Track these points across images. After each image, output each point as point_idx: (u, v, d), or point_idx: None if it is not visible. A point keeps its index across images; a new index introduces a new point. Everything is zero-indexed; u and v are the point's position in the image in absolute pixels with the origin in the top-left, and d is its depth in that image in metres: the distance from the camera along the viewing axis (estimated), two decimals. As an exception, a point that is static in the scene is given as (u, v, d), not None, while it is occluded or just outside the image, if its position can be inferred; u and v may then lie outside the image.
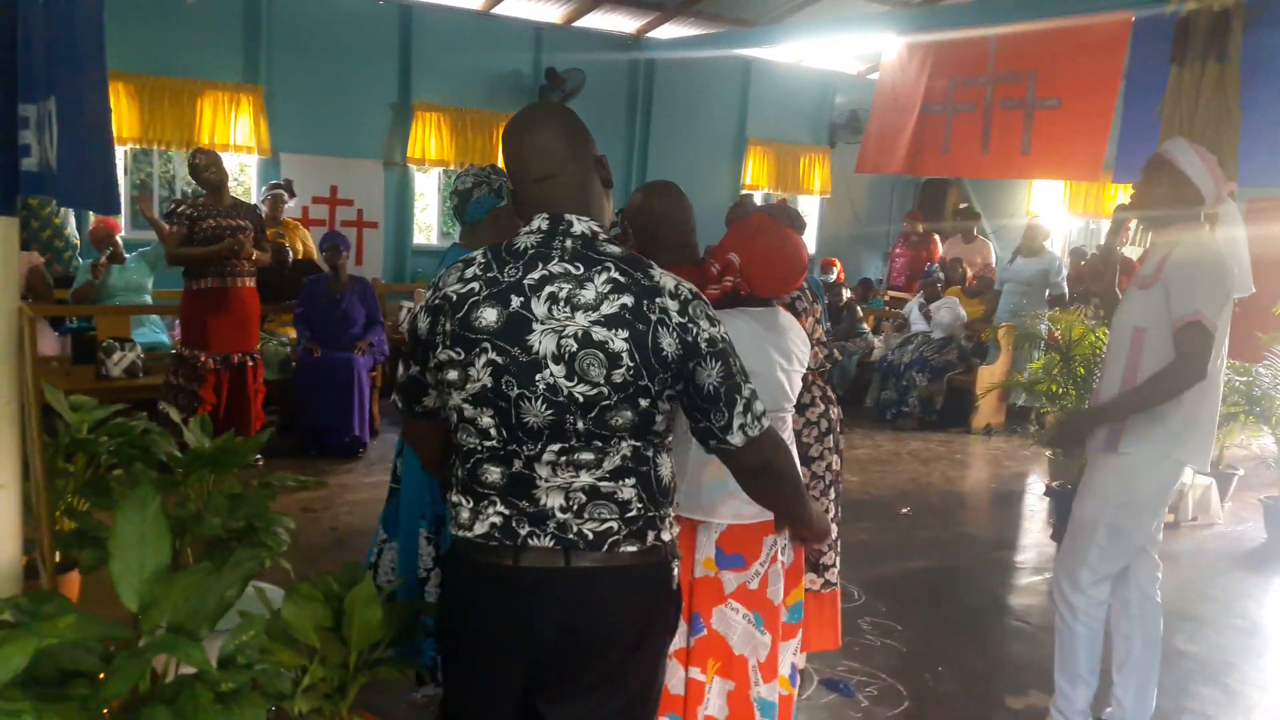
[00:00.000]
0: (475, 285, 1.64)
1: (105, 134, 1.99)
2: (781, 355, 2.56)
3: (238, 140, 8.10)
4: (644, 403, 1.61)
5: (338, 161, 8.81)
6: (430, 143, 9.18)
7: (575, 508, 1.64)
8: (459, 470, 1.73)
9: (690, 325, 1.62)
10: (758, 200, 11.65)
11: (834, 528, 3.36)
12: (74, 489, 3.40)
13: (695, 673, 2.55)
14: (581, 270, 1.62)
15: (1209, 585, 4.93)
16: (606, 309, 1.59)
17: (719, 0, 9.63)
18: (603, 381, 1.58)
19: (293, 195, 7.81)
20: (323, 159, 8.71)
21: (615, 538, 1.65)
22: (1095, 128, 6.35)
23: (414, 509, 3.12)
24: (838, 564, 3.41)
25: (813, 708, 3.41)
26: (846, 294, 9.25)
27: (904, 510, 5.86)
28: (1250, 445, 6.59)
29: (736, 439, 1.66)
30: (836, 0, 9.64)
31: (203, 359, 5.50)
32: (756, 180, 11.52)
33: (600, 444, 1.63)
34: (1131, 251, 4.53)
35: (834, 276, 9.48)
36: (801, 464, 3.22)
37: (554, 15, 9.66)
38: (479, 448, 1.67)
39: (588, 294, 1.60)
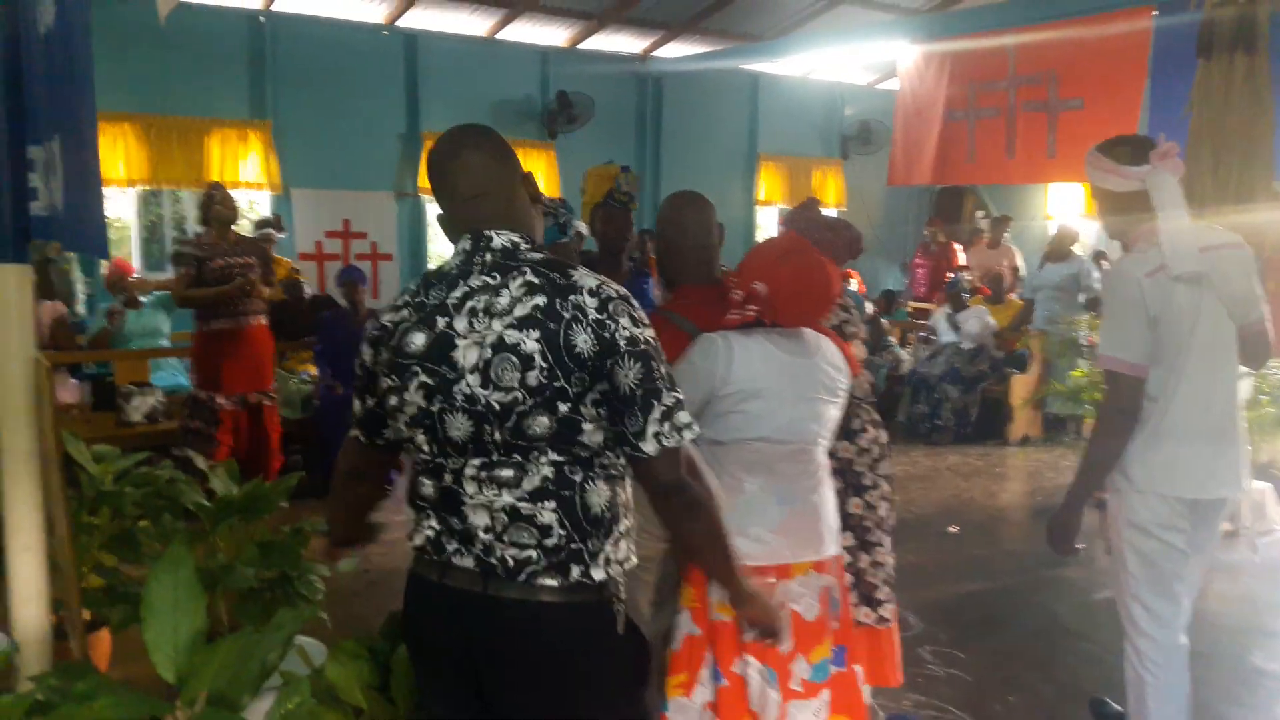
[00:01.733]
0: (405, 312, 1.67)
1: (96, 177, 1.92)
2: (807, 383, 2.35)
3: (247, 177, 8.02)
4: (563, 407, 1.55)
5: (349, 194, 8.73)
6: (441, 172, 9.07)
7: (498, 529, 1.61)
8: (409, 483, 1.75)
9: (608, 322, 1.56)
10: (774, 214, 11.53)
11: (889, 559, 3.15)
12: (100, 543, 3.27)
13: None
14: (498, 279, 1.62)
15: (1278, 596, 4.73)
16: (519, 311, 1.57)
17: (724, 16, 9.55)
18: (516, 385, 1.55)
19: (281, 230, 7.69)
20: (334, 193, 8.63)
21: (534, 568, 1.60)
22: (1121, 127, 6.16)
23: None
24: (893, 598, 3.16)
25: (881, 745, 3.23)
26: (870, 307, 9.09)
27: (951, 529, 5.67)
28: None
29: (649, 446, 1.57)
30: (843, 11, 9.57)
31: (219, 400, 5.37)
32: (770, 195, 11.40)
33: (520, 457, 1.59)
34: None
35: (854, 289, 9.33)
36: (855, 494, 3.05)
37: (560, 39, 9.59)
38: (418, 461, 1.70)
39: (503, 300, 1.59)
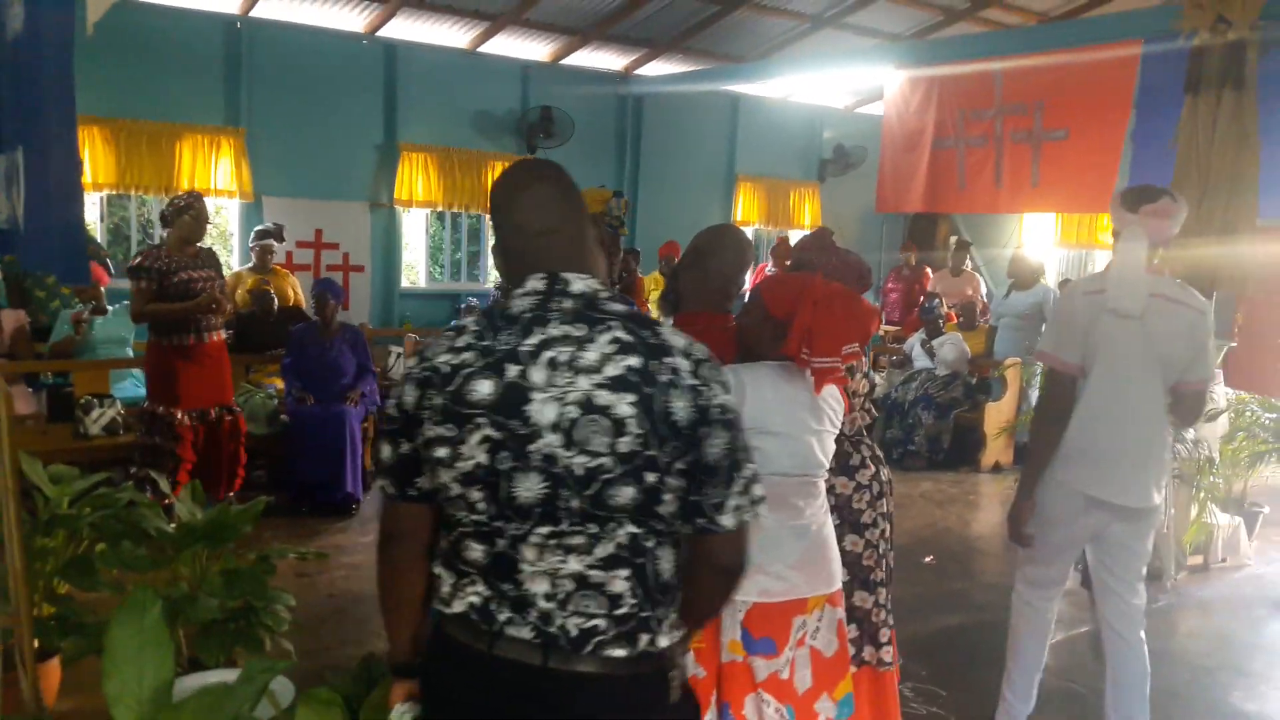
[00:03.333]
0: (468, 356, 1.50)
1: (75, 201, 1.80)
2: (811, 415, 2.35)
3: (218, 184, 7.86)
4: (650, 478, 1.45)
5: (322, 204, 8.59)
6: (417, 184, 8.97)
7: (561, 597, 1.47)
8: (444, 542, 1.58)
9: (703, 389, 1.48)
10: (750, 234, 11.51)
11: (888, 600, 3.06)
12: (54, 569, 3.12)
13: None
14: (584, 331, 1.48)
15: (1254, 634, 4.71)
16: (611, 370, 1.45)
17: (707, 37, 9.53)
18: (605, 451, 1.43)
19: (282, 240, 7.56)
20: (307, 202, 8.48)
21: (601, 638, 1.47)
22: (1104, 159, 6.23)
23: None
24: (894, 641, 3.07)
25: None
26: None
27: (927, 559, 5.62)
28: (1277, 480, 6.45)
29: (728, 520, 1.50)
30: (826, 35, 9.58)
31: (178, 416, 5.20)
32: (747, 216, 11.38)
33: (596, 527, 1.46)
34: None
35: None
36: (853, 531, 2.94)
37: (541, 53, 9.52)
38: (465, 520, 1.52)
39: (590, 355, 1.46)
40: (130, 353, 6.65)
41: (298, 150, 8.35)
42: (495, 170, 9.35)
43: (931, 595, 5.05)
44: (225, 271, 6.08)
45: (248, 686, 1.68)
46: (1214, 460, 5.43)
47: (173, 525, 3.28)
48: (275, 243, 7.37)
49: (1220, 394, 5.53)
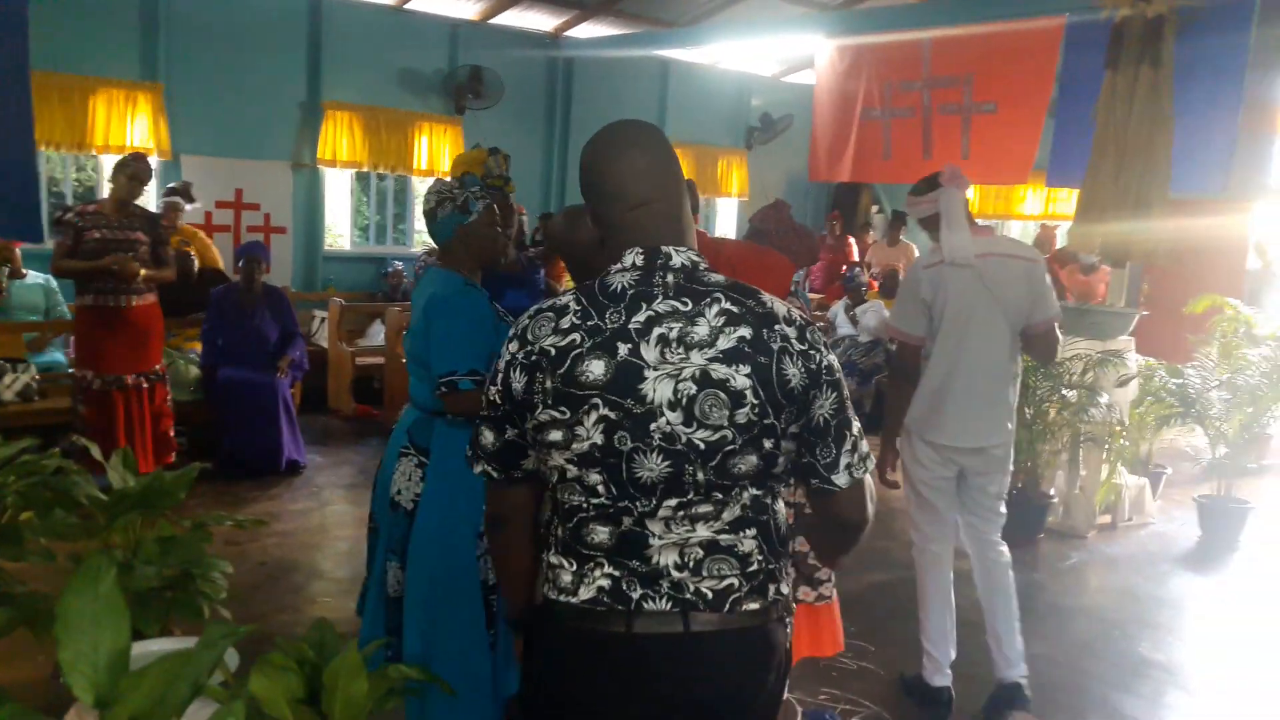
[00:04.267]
0: (576, 336, 1.47)
1: (28, 154, 1.74)
2: None
3: (134, 141, 7.53)
4: (768, 444, 1.46)
5: (243, 163, 8.33)
6: (342, 143, 8.76)
7: (692, 564, 1.48)
8: (559, 529, 1.55)
9: (812, 352, 1.49)
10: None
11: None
12: (-22, 539, 3.02)
13: None
14: (690, 305, 1.47)
15: (1160, 588, 4.97)
16: (723, 344, 1.44)
17: (638, 0, 9.47)
18: (726, 424, 1.43)
19: (191, 200, 7.32)
20: (227, 161, 8.21)
21: (737, 594, 1.50)
22: (1028, 131, 6.39)
23: (380, 558, 2.85)
24: (832, 577, 3.28)
25: (799, 742, 3.26)
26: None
27: (852, 520, 5.78)
28: (1179, 443, 6.77)
29: (842, 479, 1.52)
30: (756, 2, 9.59)
31: (91, 379, 5.06)
32: (677, 182, 11.38)
33: (720, 495, 1.47)
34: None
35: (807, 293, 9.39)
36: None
37: (469, 12, 9.35)
38: (584, 505, 1.50)
39: (701, 330, 1.45)
40: (67, 315, 6.39)
41: (218, 107, 8.08)
42: (422, 130, 9.19)
43: (856, 554, 5.10)
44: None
45: (208, 653, 1.67)
46: (1124, 424, 5.69)
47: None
48: (183, 201, 7.14)
49: (1130, 360, 5.78)
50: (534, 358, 1.48)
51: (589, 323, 1.47)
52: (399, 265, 8.89)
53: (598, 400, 1.44)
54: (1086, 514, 5.72)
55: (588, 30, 9.99)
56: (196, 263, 7.18)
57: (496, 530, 1.66)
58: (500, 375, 1.53)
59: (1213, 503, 5.79)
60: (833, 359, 1.52)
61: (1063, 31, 6.01)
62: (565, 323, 1.48)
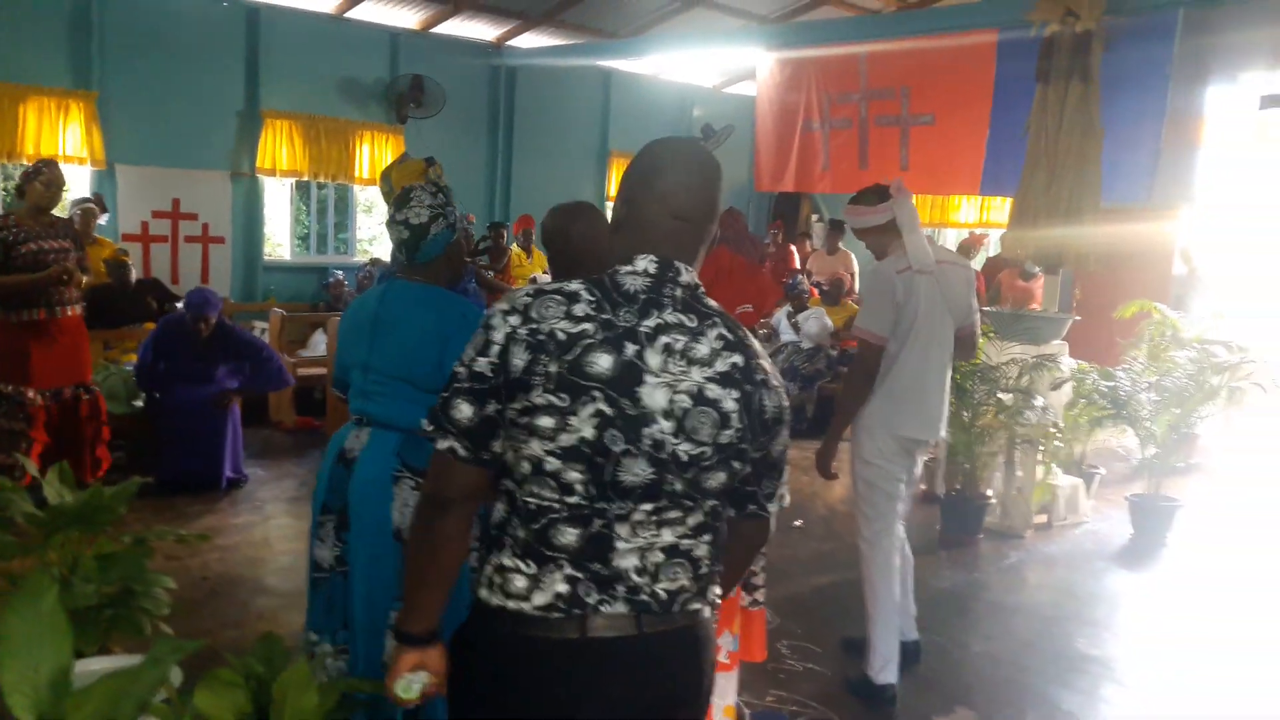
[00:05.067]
0: (588, 326, 1.47)
1: None
2: None
3: (67, 150, 7.40)
4: (738, 465, 1.55)
5: (180, 173, 8.20)
6: (281, 152, 8.67)
7: (651, 568, 1.52)
8: (519, 530, 1.50)
9: (781, 390, 1.60)
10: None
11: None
12: (-93, 558, 2.94)
13: None
14: (695, 323, 1.52)
15: (1095, 585, 5.11)
16: (720, 366, 1.51)
17: (580, 10, 9.52)
18: (709, 441, 1.49)
19: (104, 210, 7.18)
20: (164, 170, 8.09)
21: (686, 596, 1.56)
22: (971, 143, 6.53)
23: (378, 596, 2.57)
24: (764, 583, 3.38)
25: (748, 744, 3.30)
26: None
27: (796, 523, 5.85)
28: (1111, 443, 6.96)
29: (773, 507, 1.68)
30: (697, 14, 9.70)
31: (29, 395, 4.94)
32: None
33: (690, 503, 1.53)
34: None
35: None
36: None
37: (411, 21, 9.32)
38: (556, 505, 1.48)
39: (702, 349, 1.50)
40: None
41: (154, 116, 7.95)
42: (363, 139, 9.13)
43: (802, 557, 5.28)
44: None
45: (155, 670, 1.66)
46: (1058, 426, 5.84)
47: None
48: (97, 209, 7.00)
49: (1064, 364, 5.94)
50: (540, 338, 1.45)
51: (603, 316, 1.47)
52: (340, 275, 8.81)
53: (598, 393, 1.44)
54: (1023, 514, 5.86)
55: (530, 40, 10.01)
56: (134, 272, 7.07)
57: (438, 515, 1.54)
58: (497, 348, 1.47)
59: (1143, 501, 5.97)
60: (787, 400, 1.62)
61: (996, 45, 6.16)
62: (578, 310, 1.47)
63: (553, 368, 1.44)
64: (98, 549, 3.08)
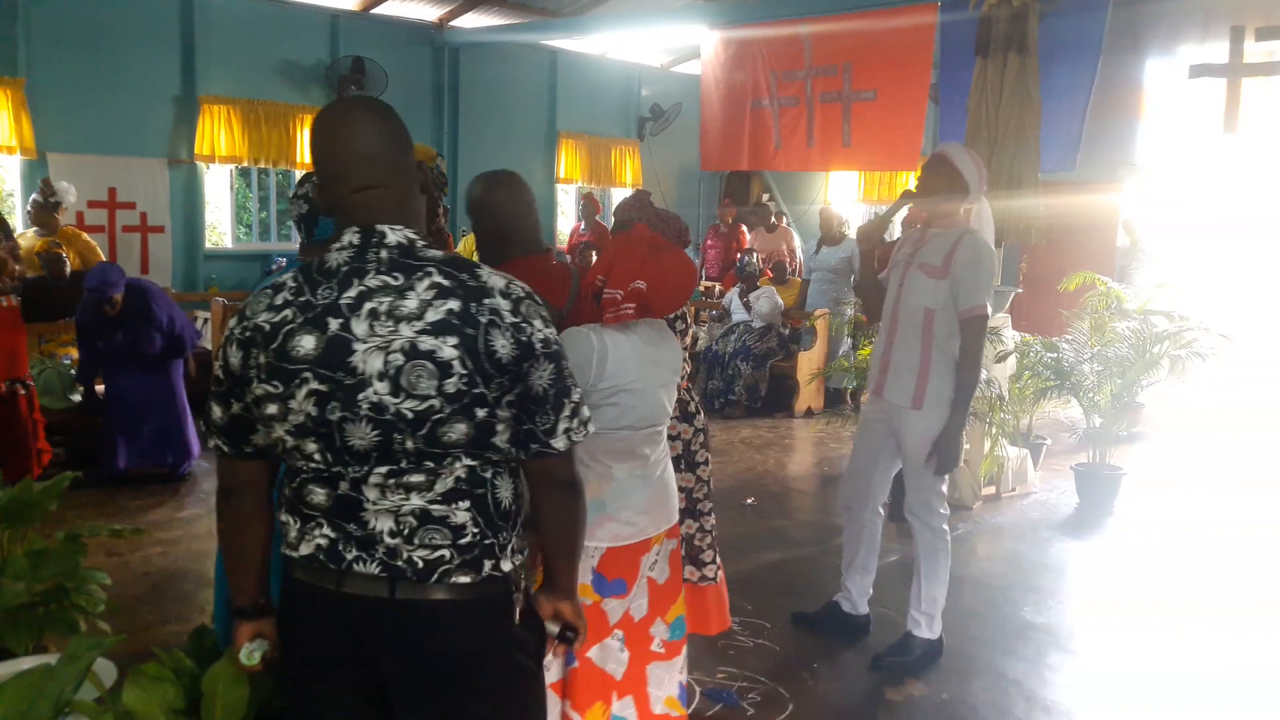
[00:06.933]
0: (288, 313, 1.51)
1: None
2: (666, 370, 2.48)
3: (-6, 139, 7.19)
4: (481, 413, 1.51)
5: (116, 161, 8.01)
6: (220, 138, 8.49)
7: (405, 532, 1.53)
8: (286, 489, 1.60)
9: (524, 325, 1.54)
10: (574, 192, 11.55)
11: (713, 523, 3.49)
12: None
13: (573, 713, 2.39)
14: (401, 280, 1.51)
15: (1041, 554, 5.18)
16: (431, 316, 1.48)
17: (523, -11, 9.42)
18: (434, 394, 1.48)
19: (52, 193, 6.99)
20: (98, 158, 7.89)
21: (447, 566, 1.54)
22: (910, 119, 6.57)
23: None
24: (717, 560, 3.47)
25: (700, 721, 3.31)
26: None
27: (749, 501, 5.88)
28: (1057, 414, 7.06)
29: (560, 443, 1.60)
30: (641, -9, 9.63)
31: None
32: (570, 173, 11.38)
33: (432, 464, 1.52)
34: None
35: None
36: (689, 470, 3.33)
37: (350, 2, 9.16)
38: (304, 468, 1.56)
39: (410, 303, 1.49)
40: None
41: (86, 102, 7.74)
42: (304, 123, 8.96)
43: (753, 534, 5.30)
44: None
45: (71, 666, 1.61)
46: (1003, 398, 5.91)
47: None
48: (62, 199, 6.81)
49: (1008, 336, 6.01)
50: (249, 333, 1.52)
51: (301, 299, 1.51)
52: (283, 261, 8.65)
53: (308, 374, 1.48)
54: (972, 486, 5.93)
55: (473, 20, 9.89)
56: (69, 265, 6.88)
57: (227, 503, 1.67)
58: (224, 351, 1.55)
59: (1089, 470, 6.07)
60: (550, 332, 1.57)
61: (936, 20, 6.19)
62: (279, 299, 1.52)
63: (263, 359, 1.50)
64: (28, 546, 3.00)
